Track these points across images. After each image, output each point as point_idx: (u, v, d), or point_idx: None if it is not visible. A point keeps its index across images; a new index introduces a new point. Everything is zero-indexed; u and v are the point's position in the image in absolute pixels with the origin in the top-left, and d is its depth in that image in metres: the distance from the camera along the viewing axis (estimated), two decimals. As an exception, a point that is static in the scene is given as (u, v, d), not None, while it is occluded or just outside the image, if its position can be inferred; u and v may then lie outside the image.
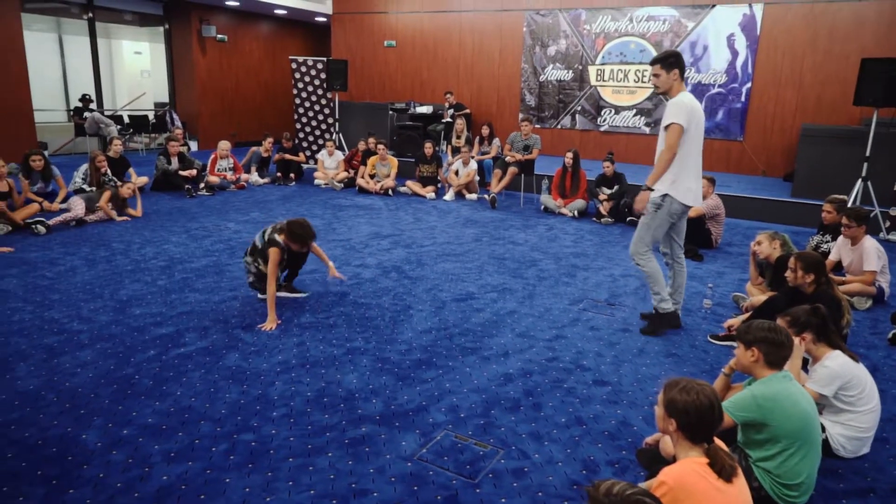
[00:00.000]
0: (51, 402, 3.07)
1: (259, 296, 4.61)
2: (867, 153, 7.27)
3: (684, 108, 3.84)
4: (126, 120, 12.74)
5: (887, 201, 7.34)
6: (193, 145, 13.47)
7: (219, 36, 13.77)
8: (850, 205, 6.04)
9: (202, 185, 8.83)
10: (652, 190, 4.00)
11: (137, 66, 15.50)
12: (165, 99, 14.39)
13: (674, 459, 2.39)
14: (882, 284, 5.01)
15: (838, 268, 5.26)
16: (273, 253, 4.19)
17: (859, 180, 7.31)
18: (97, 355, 3.60)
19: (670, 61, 3.88)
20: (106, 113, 12.12)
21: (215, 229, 6.74)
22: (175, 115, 13.26)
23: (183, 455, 2.67)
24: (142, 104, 13.73)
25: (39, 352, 3.62)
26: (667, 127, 3.88)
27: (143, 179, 8.64)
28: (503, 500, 2.47)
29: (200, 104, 13.86)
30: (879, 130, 7.29)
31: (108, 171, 7.69)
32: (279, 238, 4.29)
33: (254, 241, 4.46)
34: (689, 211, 4.17)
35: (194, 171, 8.76)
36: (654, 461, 2.60)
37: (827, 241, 5.61)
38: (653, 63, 3.96)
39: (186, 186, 8.49)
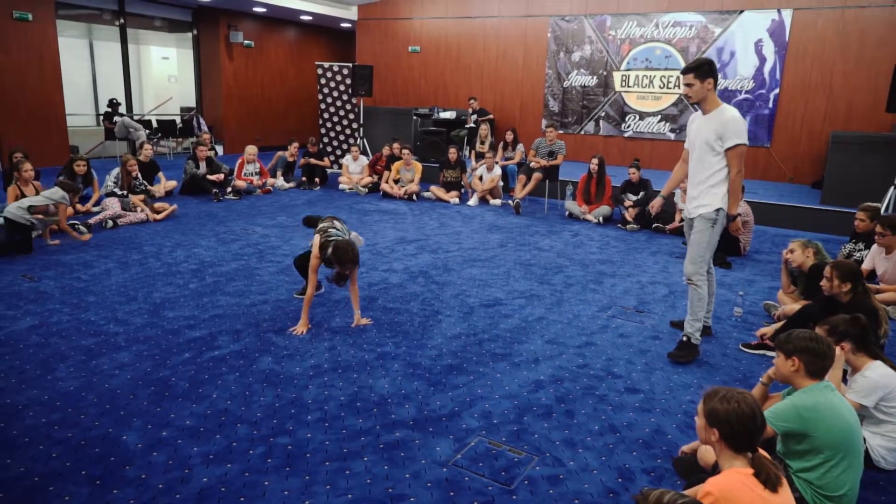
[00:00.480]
0: (91, 402, 3.14)
1: (295, 294, 4.63)
2: (900, 160, 7.15)
3: (744, 125, 3.71)
4: (154, 124, 12.97)
5: (921, 209, 7.20)
6: (219, 149, 13.66)
7: (245, 42, 13.97)
8: (882, 213, 5.94)
9: (229, 189, 8.95)
10: (739, 214, 3.93)
11: (165, 72, 15.77)
12: (191, 104, 14.63)
13: (713, 469, 2.38)
14: (918, 294, 4.91)
15: (871, 276, 5.17)
16: (315, 257, 4.10)
17: (892, 188, 7.19)
18: (134, 357, 3.66)
19: (704, 70, 3.68)
20: (134, 117, 12.35)
21: (243, 233, 6.83)
22: (202, 120, 13.47)
23: (221, 457, 2.71)
24: (168, 109, 13.97)
25: (78, 353, 3.69)
26: (732, 148, 3.66)
27: (172, 183, 8.79)
28: (539, 508, 2.47)
29: (226, 109, 14.06)
30: (913, 137, 7.16)
31: (140, 175, 7.83)
32: (328, 250, 4.05)
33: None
34: None
35: (222, 176, 8.88)
36: (692, 470, 2.58)
37: (860, 250, 5.52)
38: (685, 72, 3.76)
39: (214, 190, 8.61)
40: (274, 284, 5.09)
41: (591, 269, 5.92)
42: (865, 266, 5.16)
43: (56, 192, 6.01)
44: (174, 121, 13.41)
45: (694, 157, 3.86)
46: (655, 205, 4.50)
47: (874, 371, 2.79)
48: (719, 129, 3.66)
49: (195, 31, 14.04)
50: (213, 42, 13.80)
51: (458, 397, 3.33)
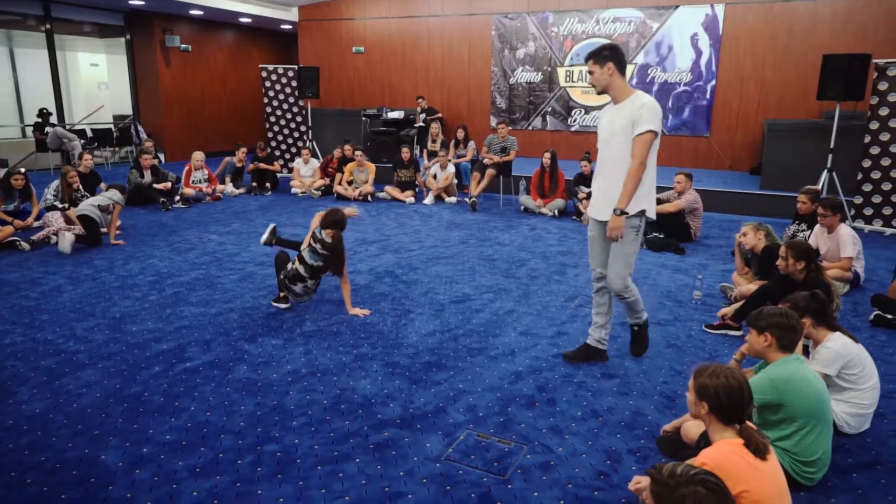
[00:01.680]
0: (61, 424, 2.99)
1: (279, 305, 4.59)
2: (832, 145, 7.59)
3: (657, 113, 3.26)
4: (89, 134, 12.41)
5: (852, 190, 7.66)
6: (161, 157, 13.19)
7: (182, 46, 13.54)
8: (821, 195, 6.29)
9: (177, 197, 8.67)
10: (627, 214, 3.29)
11: (94, 79, 15.09)
12: (125, 111, 14.07)
13: (697, 444, 2.48)
14: (857, 269, 5.24)
15: (815, 255, 5.47)
16: (336, 239, 4.43)
17: (825, 171, 7.62)
18: (100, 374, 3.52)
19: (604, 54, 3.32)
20: (65, 127, 11.78)
21: (198, 241, 6.63)
22: (140, 128, 12.98)
23: (209, 470, 2.65)
24: (100, 117, 13.39)
25: (39, 374, 3.52)
26: (641, 134, 3.21)
27: (116, 194, 8.43)
28: (535, 494, 2.52)
29: (166, 116, 13.59)
30: (842, 123, 7.62)
31: (80, 187, 7.49)
32: (324, 236, 4.46)
33: (307, 265, 4.40)
34: None
35: (169, 184, 8.59)
36: (677, 447, 2.69)
37: (803, 230, 5.83)
38: (586, 59, 3.43)
39: (162, 199, 8.33)
40: (238, 292, 4.97)
41: (553, 260, 6.03)
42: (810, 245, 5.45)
43: (115, 194, 6.68)
44: (110, 129, 12.86)
45: (609, 154, 3.40)
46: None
47: (835, 342, 2.96)
48: (634, 114, 3.24)
49: (128, 36, 13.51)
50: (148, 47, 13.32)
51: (442, 393, 3.35)
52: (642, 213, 3.37)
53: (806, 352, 3.27)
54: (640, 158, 3.24)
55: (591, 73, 3.40)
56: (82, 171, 7.93)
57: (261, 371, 3.58)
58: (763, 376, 2.58)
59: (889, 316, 4.41)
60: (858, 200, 7.59)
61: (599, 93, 3.44)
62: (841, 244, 5.16)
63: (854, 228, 7.19)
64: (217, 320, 4.37)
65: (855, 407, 2.95)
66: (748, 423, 2.12)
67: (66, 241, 6.09)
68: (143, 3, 11.90)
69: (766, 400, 2.53)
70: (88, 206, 6.48)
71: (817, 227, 5.34)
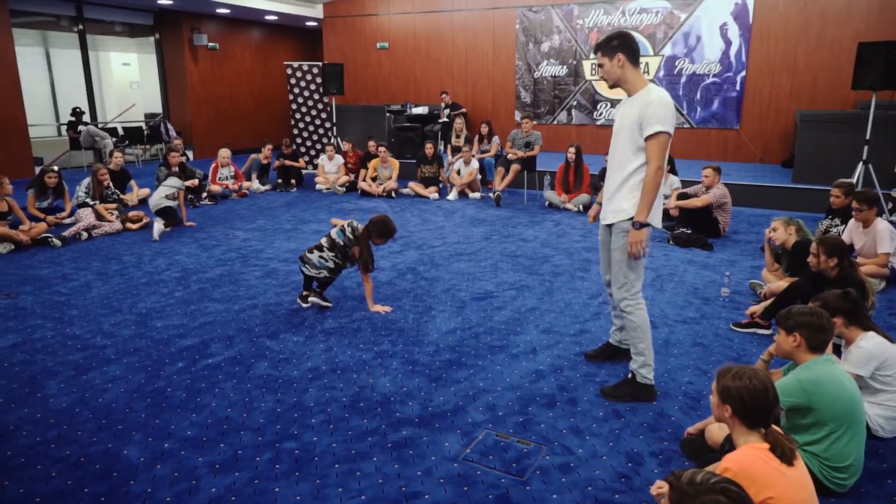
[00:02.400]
0: (86, 418, 3.05)
1: (302, 303, 4.58)
2: (867, 136, 7.34)
3: (671, 109, 3.00)
4: (120, 132, 12.66)
5: (889, 183, 7.40)
6: (189, 155, 13.40)
7: (210, 44, 13.70)
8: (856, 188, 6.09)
9: (204, 194, 8.78)
10: (648, 225, 3.07)
11: (126, 78, 15.38)
12: (156, 110, 14.31)
13: (721, 448, 2.41)
14: (895, 265, 5.06)
15: (850, 250, 5.30)
16: (364, 245, 4.40)
17: (860, 163, 7.37)
18: (126, 370, 3.57)
19: (613, 45, 3.06)
20: (98, 125, 12.03)
21: (224, 238, 6.71)
22: (169, 126, 13.18)
23: (228, 466, 2.66)
24: (133, 115, 13.65)
25: (67, 369, 3.59)
26: (653, 136, 2.95)
27: (145, 191, 8.58)
28: (554, 496, 2.48)
29: (194, 113, 13.79)
30: (878, 113, 7.36)
31: (111, 184, 7.64)
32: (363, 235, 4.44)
33: (330, 237, 4.51)
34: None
35: (196, 181, 8.71)
36: (701, 450, 2.62)
37: (836, 225, 5.65)
38: (595, 51, 3.17)
39: (189, 196, 8.44)
40: (261, 289, 5.01)
41: (577, 257, 5.95)
42: (843, 240, 5.28)
43: (175, 181, 7.25)
44: (140, 127, 13.10)
45: (614, 151, 3.19)
46: (592, 213, 3.73)
47: (868, 341, 2.86)
48: (642, 112, 2.98)
49: (157, 35, 13.73)
50: (177, 46, 13.51)
51: (461, 391, 3.32)
52: (632, 218, 3.08)
53: (838, 351, 3.17)
54: (657, 163, 2.98)
55: (600, 65, 3.14)
56: (113, 168, 8.08)
57: (281, 368, 3.60)
58: (792, 378, 2.49)
59: (928, 314, 4.24)
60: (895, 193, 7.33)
61: (612, 86, 3.17)
62: (877, 239, 4.98)
63: (891, 223, 6.96)
64: (240, 316, 4.41)
65: (890, 410, 2.84)
66: (774, 426, 2.04)
67: (156, 230, 6.66)
68: (171, 2, 12.07)
69: (794, 403, 2.45)
70: (161, 199, 6.99)
71: (852, 221, 5.17)
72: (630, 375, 3.28)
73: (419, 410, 3.13)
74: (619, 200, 3.13)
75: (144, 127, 13.22)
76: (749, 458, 1.92)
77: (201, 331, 4.14)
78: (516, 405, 3.18)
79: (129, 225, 7.15)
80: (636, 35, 11.22)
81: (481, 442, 2.85)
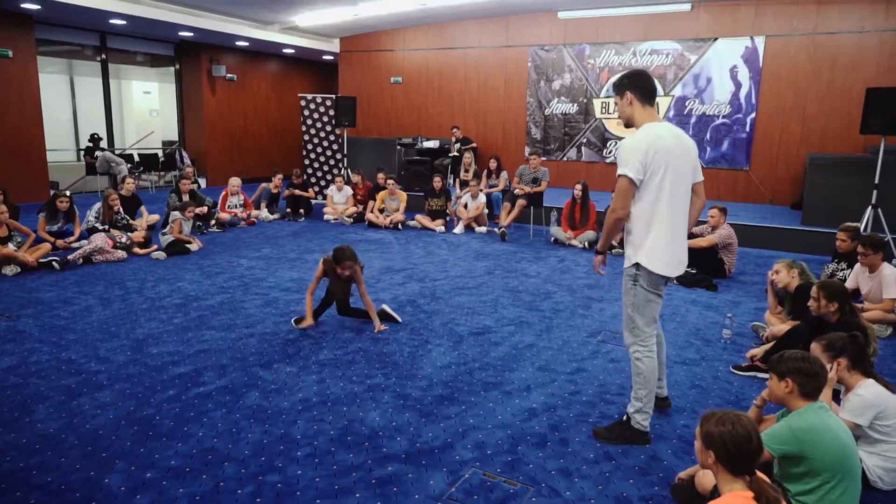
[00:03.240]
0: (72, 444, 3.03)
1: (293, 322, 4.81)
2: (876, 181, 7.30)
3: (636, 152, 2.89)
4: (136, 158, 12.90)
5: (898, 228, 7.33)
6: (202, 182, 13.60)
7: (228, 75, 14.02)
8: (862, 232, 6.03)
9: (213, 221, 8.88)
10: (603, 254, 3.28)
11: (146, 106, 15.75)
12: (174, 137, 14.60)
13: (710, 495, 2.34)
14: (902, 312, 4.97)
15: (855, 295, 5.22)
16: (319, 269, 4.79)
17: (869, 207, 7.31)
18: (116, 396, 3.56)
19: (623, 83, 3.07)
20: (115, 152, 12.29)
21: (228, 266, 6.75)
22: (184, 153, 13.43)
23: (208, 498, 2.63)
24: (150, 143, 13.93)
25: (58, 393, 3.59)
26: (618, 177, 2.94)
27: (155, 217, 8.70)
28: (537, 541, 2.41)
29: (209, 142, 14.04)
30: (887, 158, 7.32)
31: (121, 210, 7.75)
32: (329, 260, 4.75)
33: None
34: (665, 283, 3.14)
35: (205, 209, 8.82)
36: (690, 497, 2.55)
37: (842, 269, 5.58)
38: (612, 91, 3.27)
39: (197, 223, 8.53)
40: (260, 317, 5.01)
41: (579, 294, 5.91)
42: (849, 285, 5.20)
43: (173, 214, 7.66)
44: (156, 154, 13.35)
45: None
46: None
47: (867, 389, 2.79)
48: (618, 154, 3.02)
49: (177, 66, 14.08)
50: (196, 76, 13.85)
51: (451, 428, 3.27)
52: (636, 266, 3.02)
53: (837, 397, 3.10)
54: (613, 204, 2.98)
55: (616, 104, 3.16)
56: (124, 194, 8.22)
57: (272, 398, 3.58)
58: (784, 425, 2.43)
59: (934, 363, 4.14)
60: (906, 238, 7.24)
61: (626, 126, 3.13)
62: (884, 284, 4.91)
63: (900, 268, 6.87)
64: (236, 345, 4.40)
65: (889, 461, 2.75)
66: (760, 474, 1.99)
67: (156, 255, 7.15)
68: (192, 34, 12.41)
69: (786, 451, 2.39)
70: (167, 235, 7.48)
71: (857, 265, 5.10)
72: (625, 418, 3.21)
73: (407, 446, 3.09)
74: (624, 246, 3.15)
75: (160, 154, 13.47)
76: (731, 508, 1.86)
77: (196, 358, 4.14)
78: (506, 444, 3.13)
79: (137, 250, 7.21)
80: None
81: (467, 481, 2.80)
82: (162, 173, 13.71)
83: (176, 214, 7.63)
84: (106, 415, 3.34)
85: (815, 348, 2.88)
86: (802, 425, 2.37)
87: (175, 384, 3.74)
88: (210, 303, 5.39)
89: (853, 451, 2.39)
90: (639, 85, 3.05)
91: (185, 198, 8.85)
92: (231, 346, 4.39)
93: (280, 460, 2.93)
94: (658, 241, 2.97)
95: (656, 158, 2.89)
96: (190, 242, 7.51)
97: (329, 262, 4.70)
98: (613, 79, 11.63)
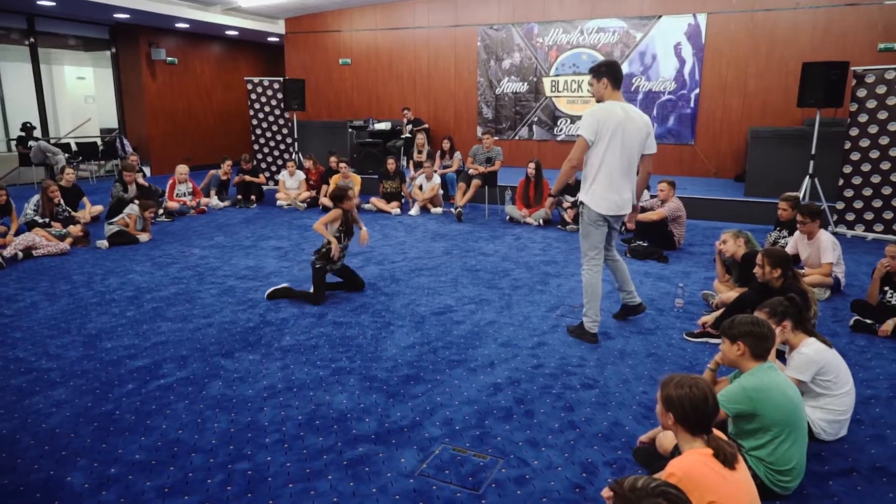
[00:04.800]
0: (28, 445, 2.94)
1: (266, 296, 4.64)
2: (813, 151, 7.64)
3: (594, 120, 3.86)
4: (74, 147, 12.34)
5: (833, 196, 7.71)
6: (146, 171, 13.12)
7: (168, 59, 13.52)
8: (801, 201, 6.32)
9: (161, 211, 8.61)
10: (555, 197, 4.39)
11: (81, 92, 15.03)
12: (112, 125, 14.02)
13: (671, 455, 2.46)
14: (838, 275, 5.26)
15: (796, 261, 5.49)
16: (334, 211, 5.06)
17: (807, 177, 7.67)
18: (72, 393, 3.46)
19: (601, 70, 3.95)
20: (50, 141, 11.72)
21: (180, 256, 6.58)
22: (125, 141, 12.92)
23: (178, 489, 2.60)
24: (87, 130, 13.34)
25: (8, 394, 3.45)
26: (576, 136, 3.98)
27: (98, 208, 8.39)
28: (509, 509, 2.48)
29: (151, 128, 13.55)
30: (822, 130, 7.68)
31: (62, 202, 7.43)
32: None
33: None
34: (618, 219, 4.14)
35: (151, 212, 8.50)
36: (653, 458, 2.67)
37: (784, 237, 5.85)
38: (589, 73, 4.10)
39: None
40: (217, 307, 4.92)
41: (537, 270, 6.02)
42: (789, 251, 5.46)
43: (134, 208, 7.39)
44: (95, 143, 12.81)
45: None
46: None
47: (809, 347, 2.96)
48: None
49: (113, 50, 13.48)
50: (134, 60, 13.29)
51: (419, 407, 3.31)
52: (581, 203, 4.11)
53: (782, 357, 3.27)
54: (570, 155, 4.00)
55: (591, 84, 4.02)
56: (64, 185, 7.88)
57: (236, 387, 3.54)
58: (737, 386, 2.56)
59: (868, 321, 4.41)
60: (840, 206, 7.64)
61: (598, 101, 4.00)
62: (821, 250, 5.17)
63: (836, 234, 7.24)
64: (194, 335, 4.32)
65: (831, 413, 2.94)
66: (717, 432, 2.10)
67: (100, 244, 6.94)
68: (128, 16, 11.88)
69: (740, 409, 2.51)
70: (112, 227, 7.18)
71: (797, 233, 5.35)
72: (581, 322, 4.24)
73: (376, 427, 3.11)
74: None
75: (99, 142, 12.93)
76: (692, 463, 1.96)
77: (153, 351, 4.04)
78: (473, 419, 3.19)
79: (79, 242, 6.94)
80: (594, 53, 11.50)
81: (437, 457, 2.85)
82: (102, 162, 13.17)
83: (133, 209, 7.34)
84: (62, 412, 3.24)
85: (759, 314, 3.03)
86: (754, 384, 2.50)
87: (133, 378, 3.65)
88: (164, 294, 5.25)
89: (800, 406, 2.54)
90: (613, 73, 3.95)
91: (132, 189, 8.55)
92: (189, 336, 4.30)
93: (249, 448, 2.91)
94: (597, 187, 3.99)
95: (606, 126, 3.86)
96: (141, 234, 7.26)
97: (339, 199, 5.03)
98: (575, 58, 11.76)
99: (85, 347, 4.10)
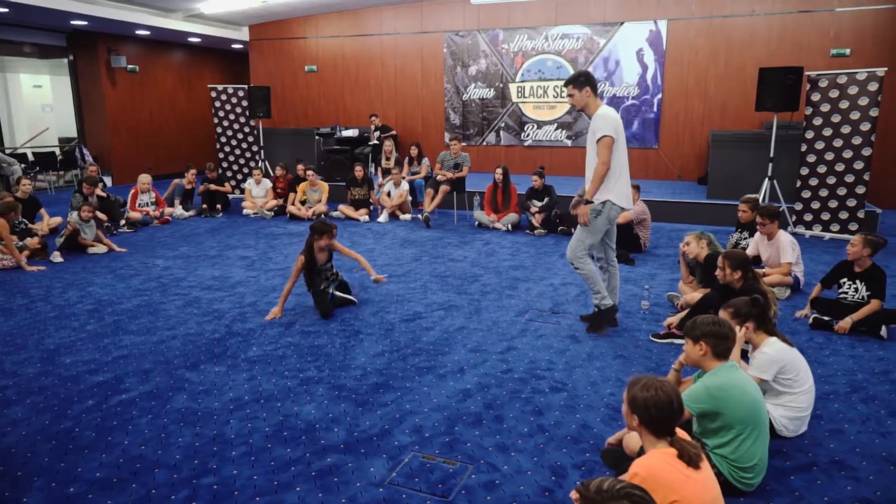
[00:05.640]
0: (-18, 465, 2.83)
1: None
2: (771, 154, 7.85)
3: (611, 120, 4.12)
4: (31, 158, 11.99)
5: (792, 197, 7.93)
6: (108, 181, 12.82)
7: (129, 66, 13.25)
8: (761, 203, 6.48)
9: (123, 221, 8.41)
10: (592, 202, 4.23)
11: (38, 101, 14.62)
12: (71, 134, 13.66)
13: (638, 456, 2.49)
14: (797, 274, 5.40)
15: (756, 261, 5.62)
16: (298, 261, 4.84)
17: (766, 179, 7.87)
18: (29, 411, 3.35)
19: (581, 80, 4.16)
20: (6, 151, 11.37)
21: (143, 267, 6.44)
22: (85, 151, 12.61)
23: (140, 507, 2.53)
24: (45, 140, 12.98)
25: (-39, 413, 3.33)
26: (599, 140, 4.10)
27: (57, 220, 8.15)
28: (479, 515, 2.48)
29: (113, 138, 13.24)
30: (780, 133, 7.90)
31: (19, 214, 7.20)
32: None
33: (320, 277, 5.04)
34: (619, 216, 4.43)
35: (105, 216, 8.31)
36: (620, 459, 2.69)
37: (745, 238, 5.99)
38: (566, 84, 4.25)
39: (106, 224, 8.06)
40: (182, 318, 4.83)
41: (506, 275, 6.05)
42: (750, 252, 5.60)
43: (73, 215, 7.18)
44: (53, 153, 12.46)
45: (587, 155, 4.32)
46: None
47: (770, 347, 3.03)
48: (593, 125, 4.16)
49: (71, 57, 13.14)
50: (93, 68, 12.98)
51: (388, 415, 3.29)
52: (605, 202, 4.20)
53: (746, 356, 3.34)
54: (601, 158, 4.11)
55: (571, 95, 4.19)
56: (20, 196, 7.65)
57: (201, 400, 3.47)
58: (700, 386, 2.60)
59: (826, 318, 4.54)
60: (798, 207, 7.86)
61: (579, 110, 4.26)
62: (781, 250, 5.31)
63: (794, 234, 7.44)
64: (158, 348, 4.23)
65: (792, 410, 3.01)
66: (681, 432, 2.13)
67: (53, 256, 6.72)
68: (86, 23, 11.61)
69: (703, 409, 2.56)
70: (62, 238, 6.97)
71: (757, 234, 5.48)
72: (596, 310, 4.41)
73: (345, 436, 3.08)
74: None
75: (58, 152, 12.59)
76: (656, 462, 1.99)
77: (115, 365, 3.94)
78: (443, 425, 3.18)
79: (36, 254, 6.73)
80: (559, 59, 11.66)
81: (407, 465, 2.83)
82: (61, 173, 12.82)
83: (73, 216, 7.16)
84: (18, 431, 3.13)
85: (723, 314, 3.10)
86: (716, 383, 2.55)
87: (94, 393, 3.55)
88: (126, 306, 5.13)
89: (761, 404, 2.60)
90: (592, 82, 4.21)
91: (92, 200, 8.34)
92: (153, 349, 4.21)
93: (214, 462, 2.86)
94: (621, 184, 4.21)
95: (619, 126, 4.15)
96: (93, 246, 7.08)
97: (309, 243, 4.87)
98: (541, 64, 11.87)
99: (43, 363, 3.97)
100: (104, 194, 8.47)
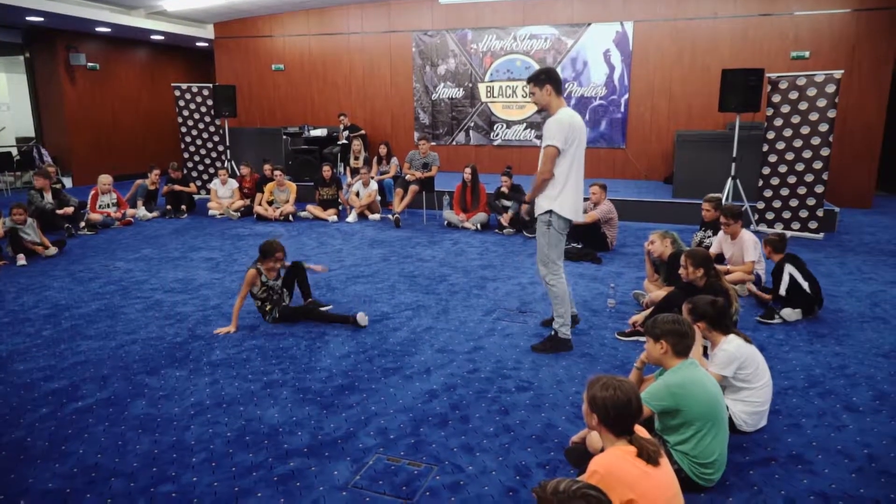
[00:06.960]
0: (-74, 479, 2.72)
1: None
2: (734, 154, 8.01)
3: (562, 128, 3.81)
4: (-14, 158, 11.61)
5: (754, 196, 8.10)
6: (67, 182, 12.47)
7: (89, 64, 12.91)
8: (724, 202, 6.60)
9: (83, 223, 8.19)
10: (530, 204, 4.16)
11: (-7, 100, 14.19)
12: (29, 133, 13.25)
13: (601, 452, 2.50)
14: (759, 272, 5.51)
15: (720, 259, 5.72)
16: (248, 275, 4.59)
17: (729, 179, 8.02)
18: (-22, 420, 3.23)
19: (542, 78, 3.89)
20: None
21: (103, 270, 6.27)
22: (44, 151, 12.24)
23: (94, 518, 2.45)
24: (1, 140, 12.57)
25: None
26: (544, 147, 3.87)
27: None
28: (443, 517, 2.47)
29: (73, 137, 12.88)
30: (742, 133, 8.06)
31: (-29, 216, 6.96)
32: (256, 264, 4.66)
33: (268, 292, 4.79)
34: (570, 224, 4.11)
35: (70, 209, 8.11)
36: (583, 458, 2.69)
37: (709, 237, 6.09)
38: (527, 82, 3.98)
39: (66, 225, 7.84)
40: (143, 322, 4.71)
41: (474, 275, 6.05)
42: (713, 250, 5.69)
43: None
44: (10, 153, 12.08)
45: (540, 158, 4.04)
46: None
47: (730, 344, 3.08)
48: (544, 128, 3.89)
49: (27, 55, 12.75)
50: (51, 65, 12.61)
51: (353, 417, 3.26)
52: (549, 212, 3.95)
53: (706, 353, 3.39)
54: (542, 167, 3.88)
55: (532, 93, 3.93)
56: (-27, 198, 7.38)
57: (161, 405, 3.39)
58: (660, 383, 2.63)
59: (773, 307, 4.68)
60: (761, 206, 8.03)
61: (540, 110, 3.86)
62: (744, 249, 5.40)
63: (756, 232, 7.59)
64: (117, 353, 4.12)
65: (750, 405, 3.07)
66: (641, 430, 2.15)
67: None
68: (42, 20, 11.26)
69: (664, 406, 2.59)
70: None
71: (721, 233, 5.58)
72: (553, 333, 4.13)
73: (308, 440, 3.04)
74: (539, 199, 4.00)
75: (15, 152, 12.20)
76: (614, 460, 2.00)
77: (71, 372, 3.83)
78: (408, 427, 3.16)
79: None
80: (527, 59, 11.71)
81: (371, 467, 2.80)
82: (18, 173, 12.44)
83: (7, 220, 6.90)
84: (-34, 442, 3.01)
85: (684, 311, 3.14)
86: (676, 381, 2.58)
87: (48, 401, 3.44)
88: (84, 311, 4.99)
89: (720, 401, 2.64)
90: (554, 79, 3.91)
91: (48, 196, 8.11)
92: (111, 354, 4.09)
93: (173, 469, 2.79)
94: (567, 194, 3.92)
95: (572, 133, 3.84)
96: (47, 248, 6.84)
97: (261, 260, 4.64)
98: (509, 64, 11.92)
99: (-6, 371, 3.84)
100: (58, 186, 8.22)
